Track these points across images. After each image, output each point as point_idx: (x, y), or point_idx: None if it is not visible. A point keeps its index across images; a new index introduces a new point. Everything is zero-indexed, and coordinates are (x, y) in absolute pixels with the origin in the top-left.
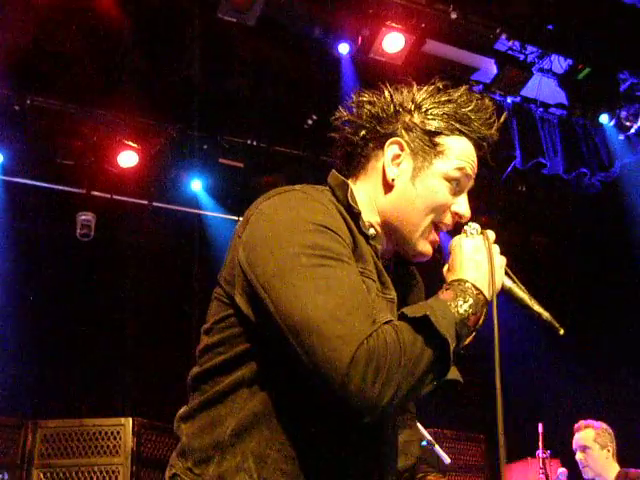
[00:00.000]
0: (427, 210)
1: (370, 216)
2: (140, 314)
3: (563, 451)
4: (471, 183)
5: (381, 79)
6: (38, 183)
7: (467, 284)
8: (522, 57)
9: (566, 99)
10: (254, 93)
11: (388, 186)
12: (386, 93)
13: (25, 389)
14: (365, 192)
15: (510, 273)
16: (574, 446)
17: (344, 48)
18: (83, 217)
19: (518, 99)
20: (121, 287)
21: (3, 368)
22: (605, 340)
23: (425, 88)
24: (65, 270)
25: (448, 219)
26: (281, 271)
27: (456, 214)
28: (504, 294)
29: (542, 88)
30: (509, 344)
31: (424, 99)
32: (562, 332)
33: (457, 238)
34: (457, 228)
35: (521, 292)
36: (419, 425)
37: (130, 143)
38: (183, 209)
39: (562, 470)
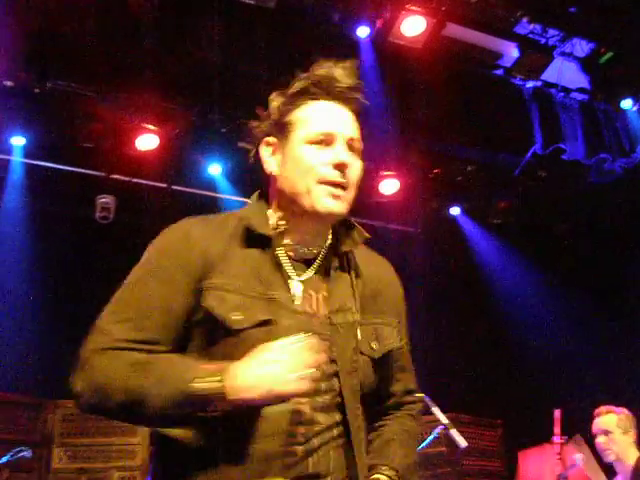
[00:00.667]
0: (303, 174)
1: (277, 213)
2: None
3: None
4: (344, 133)
5: (400, 63)
6: (58, 166)
7: (227, 374)
8: (543, 40)
9: (588, 83)
10: (273, 76)
11: (274, 179)
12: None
13: (45, 369)
14: (271, 195)
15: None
16: (594, 430)
17: (363, 31)
18: (103, 200)
19: (539, 83)
20: None
21: (24, 348)
22: (625, 325)
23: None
24: (84, 252)
25: (330, 172)
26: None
27: (333, 164)
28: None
29: (563, 72)
30: (529, 328)
31: (273, 102)
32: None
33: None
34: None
35: None
36: (435, 409)
37: (149, 126)
38: (202, 192)
39: (579, 455)
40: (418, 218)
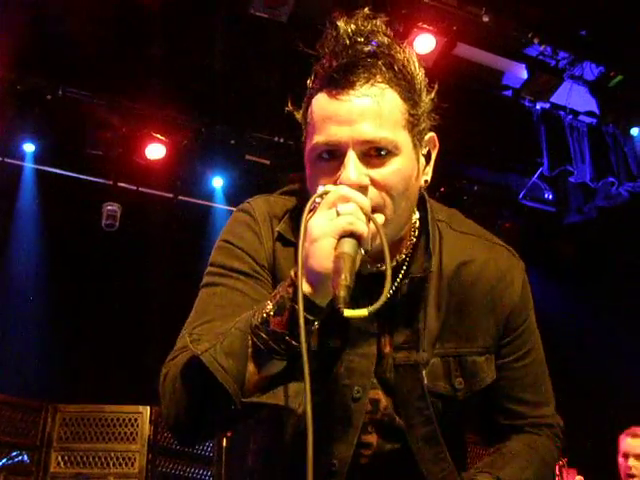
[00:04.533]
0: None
1: None
2: (162, 305)
3: (580, 460)
4: (353, 137)
5: None
6: (67, 172)
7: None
8: (553, 63)
9: (596, 107)
10: (283, 90)
11: None
12: None
13: (47, 373)
14: None
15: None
16: (626, 449)
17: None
18: (109, 207)
19: (547, 105)
20: (144, 277)
21: (26, 352)
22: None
23: None
24: (89, 258)
25: None
26: None
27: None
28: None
29: (572, 95)
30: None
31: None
32: (345, 313)
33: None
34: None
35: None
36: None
37: (158, 136)
38: (208, 204)
39: (579, 478)
40: None
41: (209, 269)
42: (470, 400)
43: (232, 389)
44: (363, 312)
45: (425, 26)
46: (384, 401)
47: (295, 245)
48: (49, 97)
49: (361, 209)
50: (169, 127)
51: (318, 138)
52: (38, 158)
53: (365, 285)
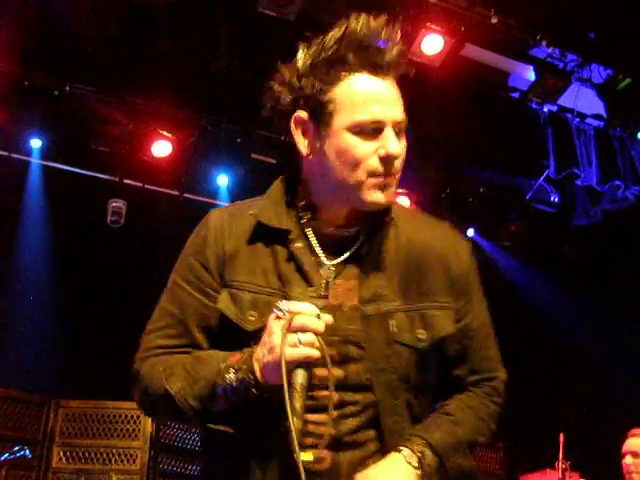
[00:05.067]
0: (351, 166)
1: (306, 198)
2: None
3: (584, 463)
4: (393, 118)
5: (417, 80)
6: (73, 168)
7: (251, 359)
8: (561, 65)
9: (604, 110)
10: None
11: (309, 162)
12: (282, 71)
13: (50, 368)
14: (304, 175)
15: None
16: (624, 449)
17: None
18: (114, 204)
19: (555, 108)
20: (148, 274)
21: (31, 347)
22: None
23: (304, 49)
24: (94, 254)
25: (379, 165)
26: None
27: (382, 157)
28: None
29: (580, 98)
30: (541, 350)
31: (302, 61)
32: (301, 458)
33: (271, 316)
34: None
35: (294, 399)
36: None
37: (164, 133)
38: (214, 202)
39: None
40: None
41: (172, 276)
42: (430, 354)
43: (200, 422)
44: (309, 457)
45: (433, 26)
46: (337, 358)
47: (276, 230)
48: (56, 93)
49: (316, 335)
50: (175, 124)
51: (364, 116)
52: (45, 154)
53: (324, 242)
